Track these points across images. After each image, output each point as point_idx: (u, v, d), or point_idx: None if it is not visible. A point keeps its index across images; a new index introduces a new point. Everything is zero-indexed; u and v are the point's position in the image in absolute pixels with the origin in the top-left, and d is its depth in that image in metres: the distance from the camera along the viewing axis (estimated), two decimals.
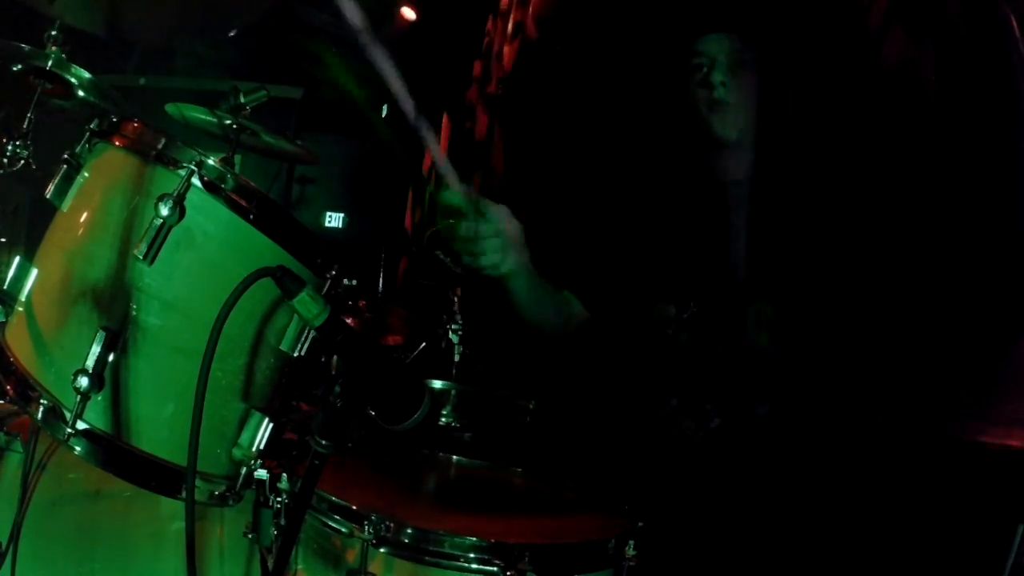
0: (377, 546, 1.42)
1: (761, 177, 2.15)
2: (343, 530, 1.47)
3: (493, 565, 1.40)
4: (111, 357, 1.34)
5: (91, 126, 1.48)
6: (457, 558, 1.42)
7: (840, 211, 2.09)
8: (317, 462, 1.27)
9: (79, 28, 2.07)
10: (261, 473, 1.49)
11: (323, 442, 1.26)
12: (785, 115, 2.15)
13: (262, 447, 1.47)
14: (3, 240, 2.76)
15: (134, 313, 1.36)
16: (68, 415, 1.33)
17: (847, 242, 2.05)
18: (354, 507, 1.46)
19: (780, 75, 2.12)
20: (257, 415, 1.46)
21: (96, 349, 1.32)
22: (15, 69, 2.23)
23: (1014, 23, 1.84)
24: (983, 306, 2.00)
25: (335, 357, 1.76)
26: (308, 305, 1.26)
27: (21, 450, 1.68)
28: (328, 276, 1.49)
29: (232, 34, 2.27)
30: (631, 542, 1.53)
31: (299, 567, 1.55)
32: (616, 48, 3.07)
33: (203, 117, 2.90)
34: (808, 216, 2.08)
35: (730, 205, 2.16)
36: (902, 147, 2.16)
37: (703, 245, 2.13)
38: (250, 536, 1.58)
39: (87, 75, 2.30)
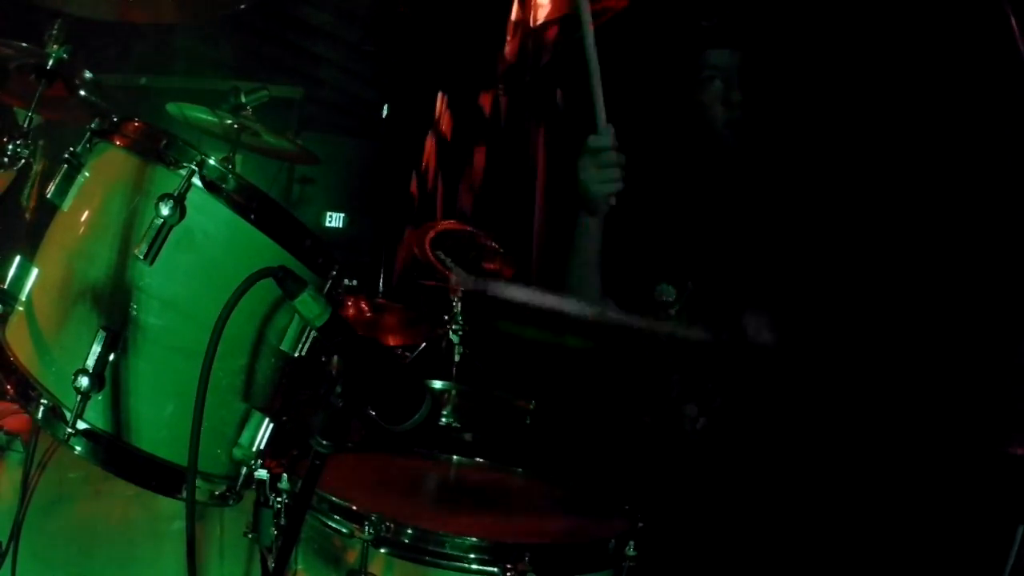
0: (377, 546, 1.42)
1: (757, 175, 2.16)
2: (343, 530, 1.47)
3: (493, 565, 1.40)
4: (111, 357, 1.34)
5: (91, 126, 1.48)
6: (457, 558, 1.42)
7: (840, 206, 2.09)
8: (317, 462, 1.27)
9: (87, 18, 2.06)
10: (261, 473, 1.49)
11: (323, 442, 1.26)
12: (790, 121, 2.16)
13: (262, 447, 1.47)
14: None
15: (134, 313, 1.36)
16: (68, 415, 1.33)
17: (844, 236, 2.06)
18: (354, 507, 1.46)
19: (785, 84, 2.13)
20: (257, 415, 1.46)
21: (96, 349, 1.32)
22: (15, 69, 2.23)
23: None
24: (991, 307, 2.00)
25: (335, 357, 1.76)
26: (309, 305, 1.26)
27: (21, 450, 1.68)
28: (329, 276, 1.49)
29: (243, 6, 2.24)
30: (631, 542, 1.53)
31: (299, 567, 1.55)
32: (625, 49, 3.09)
33: (204, 117, 2.90)
34: (806, 210, 2.09)
35: (724, 195, 2.17)
36: (907, 145, 2.17)
37: (698, 230, 2.14)
38: (250, 536, 1.58)
39: (87, 75, 2.30)
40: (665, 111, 2.29)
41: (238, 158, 3.00)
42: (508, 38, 3.92)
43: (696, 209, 2.17)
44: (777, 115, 2.18)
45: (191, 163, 1.36)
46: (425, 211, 4.51)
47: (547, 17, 3.62)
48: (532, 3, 3.75)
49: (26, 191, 2.09)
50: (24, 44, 2.18)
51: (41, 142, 2.12)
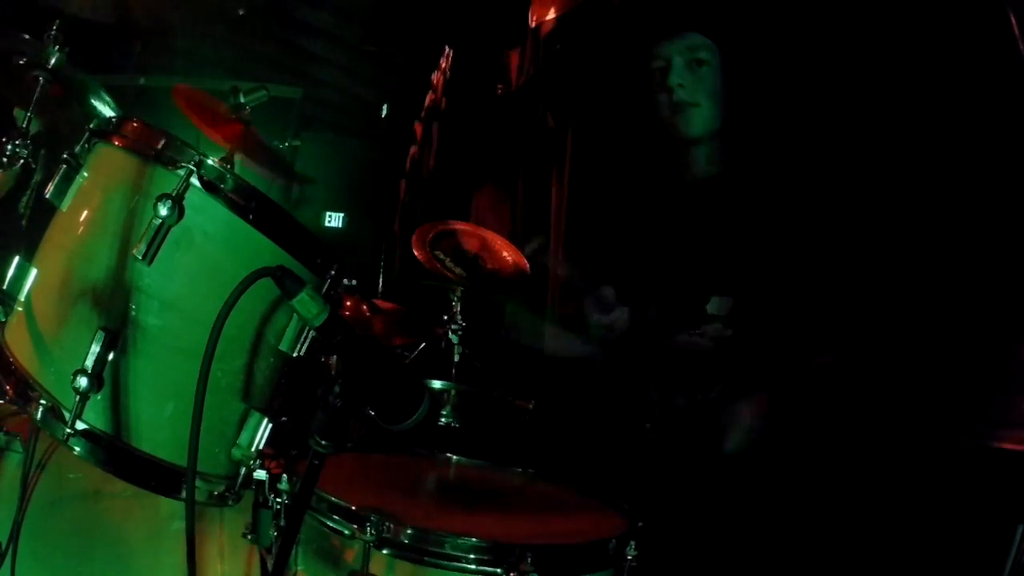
0: (378, 547, 1.42)
1: (733, 174, 2.16)
2: (343, 531, 1.46)
3: (495, 566, 1.40)
4: (110, 357, 1.34)
5: (91, 126, 1.48)
6: (458, 559, 1.41)
7: (825, 208, 2.10)
8: (317, 462, 1.27)
9: (87, 19, 2.06)
10: (260, 473, 1.49)
11: (323, 442, 1.26)
12: (757, 110, 2.17)
13: (261, 447, 1.47)
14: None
15: (133, 313, 1.36)
16: (67, 415, 1.33)
17: (830, 240, 2.06)
18: (354, 508, 1.46)
19: (745, 71, 2.14)
20: (256, 415, 1.46)
21: (95, 349, 1.32)
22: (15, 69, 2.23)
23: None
24: (986, 305, 2.00)
25: (335, 357, 1.76)
26: (308, 305, 1.26)
27: (21, 450, 1.68)
28: (328, 276, 1.49)
29: (241, 12, 2.25)
30: (631, 542, 1.53)
31: (299, 568, 1.55)
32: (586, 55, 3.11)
33: None
34: (790, 213, 2.09)
35: (699, 203, 2.17)
36: (905, 145, 2.16)
37: (670, 241, 2.15)
38: (249, 537, 1.58)
39: (87, 75, 2.30)
40: (624, 113, 2.31)
41: (237, 158, 3.00)
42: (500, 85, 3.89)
43: (664, 226, 2.18)
44: (773, 117, 2.18)
45: (189, 163, 1.36)
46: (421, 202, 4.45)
47: (541, 18, 3.59)
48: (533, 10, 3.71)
49: (24, 198, 2.09)
50: (26, 36, 2.17)
51: (42, 151, 2.11)
